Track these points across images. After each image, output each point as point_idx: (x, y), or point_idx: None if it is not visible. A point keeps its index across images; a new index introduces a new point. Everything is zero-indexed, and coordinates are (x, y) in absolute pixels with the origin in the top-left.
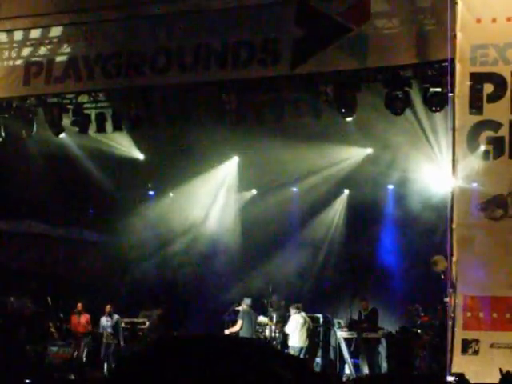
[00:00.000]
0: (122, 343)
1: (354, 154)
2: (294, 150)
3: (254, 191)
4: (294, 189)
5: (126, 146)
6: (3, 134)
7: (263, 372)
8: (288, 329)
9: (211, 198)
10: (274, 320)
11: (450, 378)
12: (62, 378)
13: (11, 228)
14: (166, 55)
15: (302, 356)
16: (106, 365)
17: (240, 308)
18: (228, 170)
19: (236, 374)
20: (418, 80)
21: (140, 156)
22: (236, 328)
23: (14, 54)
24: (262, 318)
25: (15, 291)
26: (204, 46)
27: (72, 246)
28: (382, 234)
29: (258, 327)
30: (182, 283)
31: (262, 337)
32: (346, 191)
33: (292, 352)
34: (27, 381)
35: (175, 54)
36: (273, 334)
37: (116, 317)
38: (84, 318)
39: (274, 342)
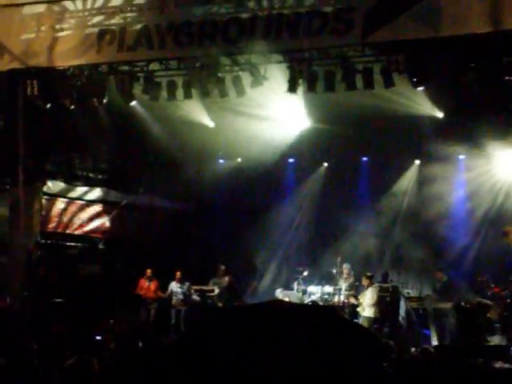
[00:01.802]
0: (190, 309)
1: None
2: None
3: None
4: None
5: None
6: (75, 101)
7: (331, 338)
8: (367, 301)
9: None
10: (343, 289)
11: None
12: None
13: (82, 195)
14: (237, 25)
15: (371, 326)
16: (175, 331)
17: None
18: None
19: (302, 340)
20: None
21: (210, 123)
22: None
23: (87, 22)
24: (328, 288)
25: (85, 257)
26: (275, 15)
27: (142, 212)
28: (453, 206)
29: (326, 296)
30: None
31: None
32: (417, 162)
33: (364, 322)
34: (98, 337)
35: (247, 24)
36: (342, 304)
37: (187, 283)
38: (154, 285)
39: (344, 311)
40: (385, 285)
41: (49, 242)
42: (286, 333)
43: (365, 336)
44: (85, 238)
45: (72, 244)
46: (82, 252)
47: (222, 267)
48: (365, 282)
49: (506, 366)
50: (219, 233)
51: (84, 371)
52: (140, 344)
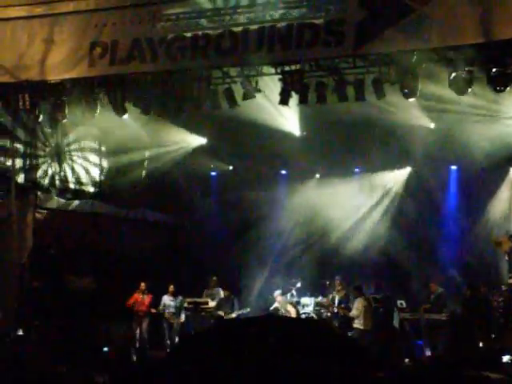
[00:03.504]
0: (183, 322)
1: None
2: None
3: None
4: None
5: None
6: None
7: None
8: (353, 312)
9: None
10: (336, 301)
11: (505, 358)
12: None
13: (75, 207)
14: (230, 38)
15: (362, 338)
16: (169, 344)
17: (277, 305)
18: None
19: (296, 354)
20: (482, 60)
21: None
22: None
23: (79, 36)
24: (322, 300)
25: (77, 270)
26: (268, 28)
27: (135, 226)
28: (446, 217)
29: (317, 308)
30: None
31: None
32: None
33: (356, 334)
34: (105, 349)
35: (239, 37)
36: (335, 316)
37: (179, 297)
38: (148, 298)
39: (337, 324)
40: (377, 296)
41: (41, 254)
42: (279, 346)
43: (354, 349)
44: (77, 250)
45: (64, 256)
46: (73, 264)
47: (214, 278)
48: (353, 293)
49: (497, 376)
50: (210, 246)
51: None
52: (134, 357)
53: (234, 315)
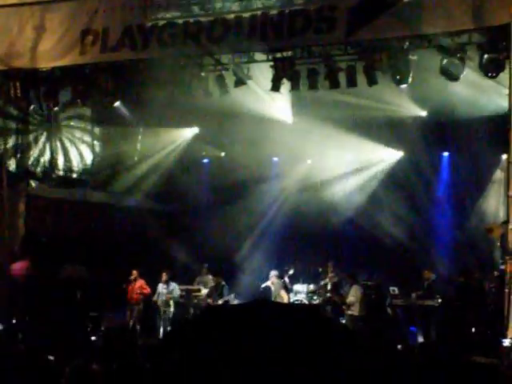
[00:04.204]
0: (172, 310)
1: None
2: None
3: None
4: None
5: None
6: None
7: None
8: (350, 299)
9: None
10: (329, 287)
11: (506, 342)
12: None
13: (67, 196)
14: (222, 25)
15: (356, 324)
16: (161, 332)
17: (269, 284)
18: None
19: (286, 340)
20: (473, 46)
21: None
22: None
23: (70, 23)
24: (313, 287)
25: (72, 259)
26: (260, 15)
27: (127, 214)
28: (440, 204)
29: (310, 295)
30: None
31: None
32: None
33: (349, 321)
34: (93, 338)
35: (231, 24)
36: (326, 302)
37: (173, 284)
38: (138, 284)
39: (329, 309)
40: (370, 282)
41: (34, 242)
42: (270, 332)
43: (347, 335)
44: (69, 238)
45: (57, 244)
46: (65, 253)
47: (205, 265)
48: (347, 280)
49: (491, 360)
50: (202, 233)
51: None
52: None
53: (220, 302)
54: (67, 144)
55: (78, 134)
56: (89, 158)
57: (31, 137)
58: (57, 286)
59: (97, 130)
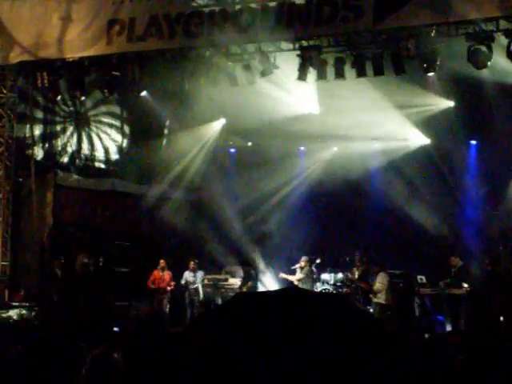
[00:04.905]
0: (202, 298)
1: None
2: None
3: None
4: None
5: None
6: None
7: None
8: (377, 286)
9: None
10: (356, 276)
11: None
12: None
13: (95, 186)
14: (248, 14)
15: (383, 313)
16: (189, 321)
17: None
18: None
19: (313, 329)
20: (501, 33)
21: None
22: (294, 278)
23: (96, 13)
24: (341, 276)
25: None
26: (287, 4)
27: (155, 204)
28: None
29: (339, 283)
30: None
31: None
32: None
33: (376, 309)
34: (115, 328)
35: (258, 13)
36: (354, 291)
37: (200, 273)
38: (167, 275)
39: (356, 299)
40: (398, 271)
41: (61, 233)
42: (299, 320)
43: (374, 324)
44: (96, 230)
45: (83, 235)
46: (91, 243)
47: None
48: (374, 268)
49: None
50: (230, 222)
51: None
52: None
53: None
54: (94, 136)
55: (106, 128)
56: (116, 151)
57: (59, 127)
58: (82, 276)
59: (126, 128)
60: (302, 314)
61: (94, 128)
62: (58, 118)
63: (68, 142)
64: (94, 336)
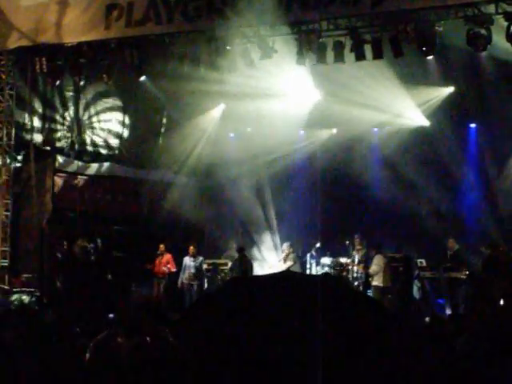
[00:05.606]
0: (205, 284)
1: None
2: None
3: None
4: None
5: None
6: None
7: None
8: (373, 268)
9: None
10: (356, 260)
11: None
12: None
13: (95, 171)
14: None
15: (382, 296)
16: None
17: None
18: None
19: (307, 311)
20: (500, 16)
21: None
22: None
23: None
24: (340, 259)
25: (102, 234)
26: None
27: (155, 189)
28: (463, 175)
29: (338, 268)
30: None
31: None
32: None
33: (375, 292)
34: (110, 315)
35: None
36: (355, 275)
37: (200, 258)
38: (165, 258)
39: (356, 283)
40: (397, 255)
41: (61, 218)
42: (295, 303)
43: (372, 306)
44: (96, 214)
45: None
46: (91, 228)
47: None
48: (372, 250)
49: None
50: (230, 206)
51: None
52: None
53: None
54: (94, 122)
55: (106, 113)
56: (115, 136)
57: (58, 112)
58: (82, 261)
59: (126, 113)
60: (295, 296)
61: (93, 113)
62: (57, 104)
63: (68, 127)
64: (90, 321)
